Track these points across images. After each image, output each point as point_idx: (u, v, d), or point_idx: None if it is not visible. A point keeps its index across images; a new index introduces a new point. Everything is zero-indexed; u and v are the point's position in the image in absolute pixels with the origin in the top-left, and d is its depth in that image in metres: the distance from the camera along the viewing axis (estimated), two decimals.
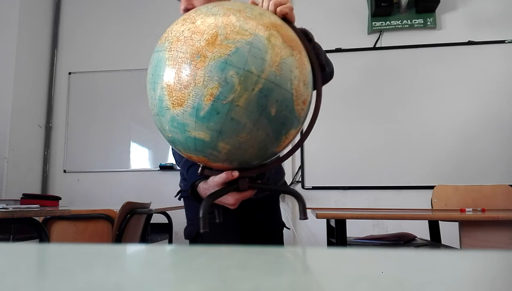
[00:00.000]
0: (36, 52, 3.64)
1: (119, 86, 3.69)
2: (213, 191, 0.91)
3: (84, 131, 3.67)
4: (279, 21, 0.83)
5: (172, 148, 1.10)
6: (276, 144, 0.83)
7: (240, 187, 0.90)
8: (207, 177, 0.94)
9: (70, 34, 3.85)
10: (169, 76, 0.77)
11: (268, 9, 0.88)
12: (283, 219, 1.46)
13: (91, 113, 3.68)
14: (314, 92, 0.90)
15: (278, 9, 0.87)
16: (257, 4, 0.91)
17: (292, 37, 0.82)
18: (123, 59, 3.72)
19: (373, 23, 3.39)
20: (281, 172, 1.39)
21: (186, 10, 1.12)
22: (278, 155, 0.89)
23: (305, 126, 0.89)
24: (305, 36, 0.91)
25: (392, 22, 3.37)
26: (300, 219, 0.90)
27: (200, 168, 0.90)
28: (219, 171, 0.89)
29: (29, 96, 3.53)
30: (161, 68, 0.79)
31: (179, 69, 0.75)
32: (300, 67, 0.80)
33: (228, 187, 0.90)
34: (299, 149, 3.29)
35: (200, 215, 0.84)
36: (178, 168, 1.13)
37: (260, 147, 0.81)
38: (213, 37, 0.74)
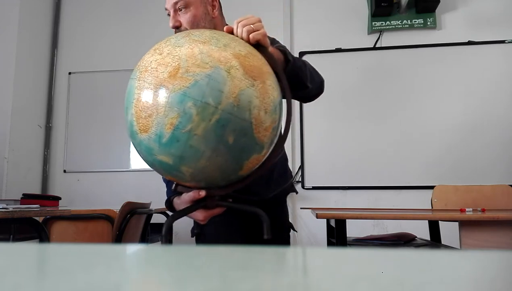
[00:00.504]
0: (36, 52, 3.64)
1: (119, 86, 3.68)
2: (184, 207, 0.96)
3: (84, 131, 3.67)
4: (245, 51, 0.85)
5: None
6: (238, 169, 0.87)
7: (208, 205, 0.95)
8: (180, 193, 0.99)
9: (70, 34, 3.85)
10: (136, 104, 0.83)
11: (241, 36, 0.92)
12: None
13: (91, 113, 3.68)
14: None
15: (250, 36, 0.90)
16: (231, 32, 0.95)
17: (257, 67, 0.85)
18: (123, 59, 3.72)
19: (373, 23, 3.39)
20: (286, 176, 1.39)
21: (174, 27, 1.23)
22: (242, 177, 0.92)
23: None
24: (284, 56, 0.95)
25: (392, 22, 3.37)
26: (264, 237, 0.94)
27: (174, 185, 0.96)
28: (191, 188, 0.94)
29: (29, 96, 3.53)
30: (131, 96, 0.85)
31: (144, 98, 0.81)
32: (261, 96, 0.82)
33: (196, 204, 0.95)
34: (300, 149, 3.29)
35: (162, 232, 0.90)
36: None
37: (222, 171, 0.86)
38: (175, 70, 0.80)
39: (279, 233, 1.43)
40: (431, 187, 2.30)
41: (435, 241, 2.09)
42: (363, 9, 3.46)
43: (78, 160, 3.64)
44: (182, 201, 0.98)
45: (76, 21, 3.86)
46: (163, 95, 0.79)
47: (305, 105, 3.36)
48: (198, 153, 0.81)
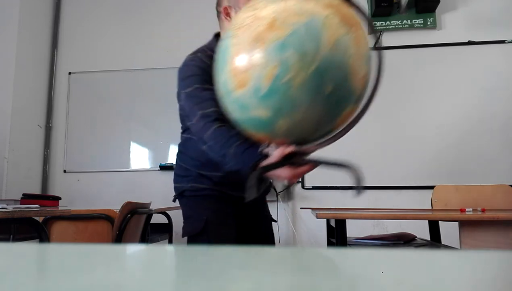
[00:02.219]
0: (36, 52, 3.64)
1: (119, 86, 3.69)
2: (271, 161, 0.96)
3: (84, 131, 3.67)
4: (336, 1, 0.85)
5: (194, 143, 1.27)
6: (333, 121, 0.89)
7: (295, 162, 0.94)
8: (266, 156, 0.99)
9: (70, 34, 3.85)
10: (232, 61, 0.84)
11: None
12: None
13: (91, 113, 3.68)
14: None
15: None
16: None
17: (351, 15, 0.84)
18: (123, 59, 3.72)
19: (373, 23, 3.39)
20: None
21: None
22: (334, 132, 0.94)
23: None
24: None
25: (392, 22, 3.37)
26: (356, 193, 0.95)
27: (260, 146, 0.98)
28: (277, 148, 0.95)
29: (29, 96, 3.53)
30: (226, 54, 0.86)
31: (241, 53, 0.82)
32: (356, 44, 0.82)
33: (284, 160, 0.94)
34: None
35: (250, 184, 0.89)
36: (215, 155, 1.14)
37: (317, 123, 0.86)
38: (272, 22, 0.79)
39: (265, 225, 1.55)
40: (431, 187, 2.30)
41: (435, 241, 2.09)
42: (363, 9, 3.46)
43: (78, 160, 3.64)
44: (270, 160, 0.96)
45: (76, 21, 3.86)
46: (261, 47, 0.79)
47: None
48: (296, 104, 0.81)
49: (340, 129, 0.95)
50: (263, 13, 0.82)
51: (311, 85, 0.79)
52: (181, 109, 1.34)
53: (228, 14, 1.32)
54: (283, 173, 0.98)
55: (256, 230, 1.52)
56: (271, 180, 1.41)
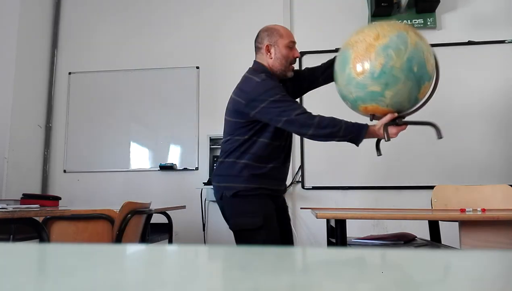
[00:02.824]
0: (36, 52, 3.64)
1: (119, 86, 3.69)
2: (380, 127, 1.58)
3: (84, 131, 3.67)
4: (408, 25, 1.58)
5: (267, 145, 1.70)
6: (418, 91, 1.51)
7: (398, 123, 1.58)
8: (377, 120, 1.61)
9: (70, 34, 3.85)
10: (353, 61, 1.49)
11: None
12: (247, 222, 1.71)
13: (91, 113, 3.68)
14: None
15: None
16: None
17: (418, 32, 1.56)
18: (123, 59, 3.72)
19: (373, 23, 3.38)
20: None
21: (295, 59, 1.79)
22: (419, 101, 1.60)
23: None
24: None
25: None
26: (438, 137, 1.66)
27: (370, 116, 1.60)
28: (382, 116, 1.58)
29: (29, 96, 3.54)
30: (347, 58, 1.52)
31: (360, 54, 1.48)
32: (426, 46, 1.52)
33: (391, 122, 1.57)
34: (300, 149, 3.29)
35: (383, 131, 1.58)
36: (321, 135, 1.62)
37: (410, 92, 1.49)
38: (377, 36, 1.47)
39: (288, 214, 1.92)
40: (431, 187, 2.30)
41: (435, 241, 2.09)
42: (363, 9, 3.46)
43: (78, 160, 3.64)
44: (379, 125, 1.59)
45: (76, 21, 3.86)
46: (373, 49, 1.45)
47: (304, 105, 3.35)
48: (397, 79, 1.44)
49: (421, 102, 1.62)
50: (369, 33, 1.50)
51: (405, 67, 1.43)
52: (269, 112, 1.60)
53: (268, 50, 1.74)
54: (392, 130, 1.59)
55: (284, 219, 1.86)
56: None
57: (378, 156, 1.70)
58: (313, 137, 1.61)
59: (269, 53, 1.72)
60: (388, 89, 1.44)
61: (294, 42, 1.78)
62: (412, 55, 1.43)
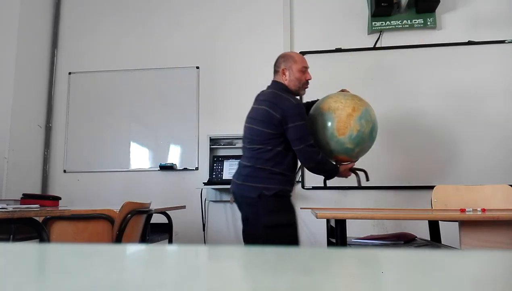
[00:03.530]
0: (36, 52, 3.64)
1: (119, 86, 3.69)
2: (345, 171, 2.10)
3: (84, 131, 3.67)
4: (365, 101, 2.13)
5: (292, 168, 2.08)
6: (370, 148, 2.13)
7: (352, 168, 2.14)
8: (340, 164, 2.12)
9: (70, 34, 3.85)
10: (337, 125, 1.99)
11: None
12: (283, 218, 1.96)
13: (91, 113, 3.68)
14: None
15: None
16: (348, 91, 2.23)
17: (370, 105, 2.13)
18: (123, 59, 3.72)
19: (373, 23, 3.39)
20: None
21: (307, 81, 2.12)
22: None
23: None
24: None
25: (392, 22, 3.37)
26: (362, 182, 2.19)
27: (338, 162, 2.11)
28: (347, 162, 2.11)
29: (29, 96, 3.54)
30: (331, 121, 2.00)
31: (341, 120, 1.99)
32: (374, 114, 2.13)
33: (353, 169, 2.15)
34: None
35: (348, 172, 2.14)
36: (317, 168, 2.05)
37: (368, 148, 2.10)
38: (353, 108, 2.00)
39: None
40: (431, 187, 2.30)
41: (435, 241, 2.09)
42: (363, 9, 3.46)
43: (78, 160, 3.64)
44: (345, 167, 2.10)
45: (76, 21, 3.86)
46: (352, 118, 1.98)
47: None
48: (363, 141, 2.02)
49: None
50: (347, 103, 2.02)
51: (368, 132, 2.02)
52: (296, 132, 1.94)
53: (284, 73, 2.09)
54: (347, 173, 2.12)
55: None
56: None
57: (325, 187, 2.34)
58: (311, 169, 2.03)
59: (284, 76, 2.08)
60: (357, 147, 2.02)
61: (306, 67, 2.10)
62: (374, 123, 2.05)
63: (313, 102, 2.26)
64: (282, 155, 1.96)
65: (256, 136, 1.99)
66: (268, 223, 1.89)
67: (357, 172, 2.14)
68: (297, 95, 2.11)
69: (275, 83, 2.11)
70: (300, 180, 3.32)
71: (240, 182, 2.01)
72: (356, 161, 2.12)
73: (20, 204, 2.21)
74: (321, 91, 3.38)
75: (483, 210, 1.74)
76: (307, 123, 1.99)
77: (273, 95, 2.02)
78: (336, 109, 1.99)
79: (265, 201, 1.91)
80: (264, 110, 1.99)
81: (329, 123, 1.99)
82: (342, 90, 2.21)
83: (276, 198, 1.92)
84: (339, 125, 1.97)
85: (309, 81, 2.13)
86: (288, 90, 2.06)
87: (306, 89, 2.15)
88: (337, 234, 1.52)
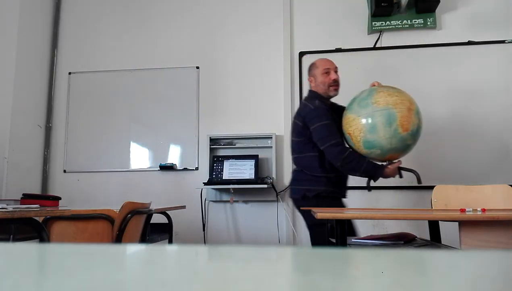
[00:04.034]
0: (36, 52, 3.64)
1: (119, 86, 3.69)
2: (393, 170, 2.08)
3: (84, 131, 3.67)
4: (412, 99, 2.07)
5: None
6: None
7: (399, 167, 2.09)
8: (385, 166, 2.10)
9: (70, 34, 3.85)
10: (399, 120, 1.91)
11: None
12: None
13: (91, 113, 3.68)
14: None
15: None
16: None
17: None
18: (123, 59, 3.72)
19: (373, 23, 3.38)
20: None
21: (336, 80, 2.22)
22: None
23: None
24: None
25: (392, 22, 3.37)
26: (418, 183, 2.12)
27: (388, 162, 2.06)
28: (393, 162, 2.07)
29: (29, 96, 3.54)
30: (394, 117, 1.89)
31: (405, 116, 1.92)
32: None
33: (401, 168, 2.09)
34: None
35: (368, 184, 2.10)
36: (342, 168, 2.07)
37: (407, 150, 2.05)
38: (410, 101, 1.95)
39: None
40: (431, 187, 2.30)
41: (435, 241, 2.08)
42: (363, 9, 3.46)
43: (78, 160, 3.64)
44: (395, 166, 2.06)
45: (76, 21, 3.86)
46: (412, 112, 1.96)
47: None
48: (419, 136, 1.99)
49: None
50: (404, 97, 1.91)
51: (420, 127, 1.99)
52: (317, 134, 2.04)
53: (311, 81, 2.26)
54: (396, 171, 2.06)
55: None
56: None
57: (369, 191, 2.29)
58: (342, 169, 2.05)
59: (312, 83, 2.27)
60: (415, 143, 1.93)
61: (328, 68, 2.21)
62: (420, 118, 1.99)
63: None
64: (317, 158, 2.09)
65: (296, 146, 2.21)
66: (309, 222, 2.09)
67: (406, 171, 2.08)
68: (329, 98, 2.24)
69: (307, 93, 2.31)
70: None
71: (291, 185, 2.27)
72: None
73: (20, 204, 2.21)
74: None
75: (483, 210, 1.74)
76: (331, 123, 2.04)
77: (299, 106, 2.27)
78: (395, 104, 1.84)
79: (307, 202, 2.08)
80: (293, 122, 2.24)
81: (392, 119, 1.85)
82: (373, 84, 2.16)
83: (317, 198, 2.08)
84: (403, 121, 1.83)
85: (337, 80, 2.24)
86: (317, 95, 2.20)
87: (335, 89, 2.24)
88: (337, 234, 1.52)
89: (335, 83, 2.22)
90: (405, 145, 1.90)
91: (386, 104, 1.86)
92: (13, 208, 1.50)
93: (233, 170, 3.27)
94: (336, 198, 2.14)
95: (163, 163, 3.46)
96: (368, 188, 2.13)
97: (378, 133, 1.87)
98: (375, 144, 1.89)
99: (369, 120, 1.89)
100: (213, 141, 3.43)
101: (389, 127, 1.83)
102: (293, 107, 3.41)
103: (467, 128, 3.17)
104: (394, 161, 2.05)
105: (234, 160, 3.30)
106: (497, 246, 1.42)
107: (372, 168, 2.04)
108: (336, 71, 2.25)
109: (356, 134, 1.94)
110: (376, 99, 1.90)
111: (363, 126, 1.90)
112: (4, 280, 0.26)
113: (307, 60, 3.46)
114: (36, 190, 3.54)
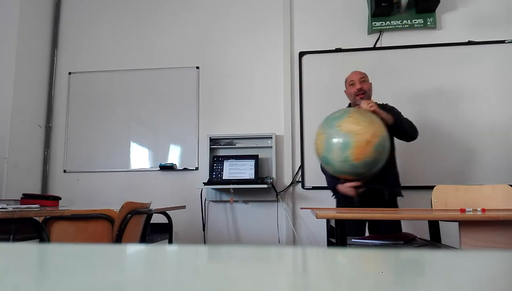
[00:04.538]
0: (36, 52, 3.64)
1: (119, 86, 3.69)
2: (346, 188, 2.18)
3: (84, 131, 3.67)
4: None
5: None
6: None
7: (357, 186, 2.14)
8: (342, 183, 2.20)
9: (70, 34, 3.85)
10: (354, 149, 1.92)
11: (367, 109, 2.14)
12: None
13: (91, 113, 3.68)
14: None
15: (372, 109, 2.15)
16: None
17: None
18: (123, 59, 3.72)
19: (373, 23, 3.38)
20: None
21: (360, 89, 2.38)
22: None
23: None
24: (393, 116, 2.31)
25: (392, 22, 3.37)
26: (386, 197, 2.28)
27: (343, 180, 2.14)
28: (351, 180, 2.11)
29: (29, 96, 3.54)
30: (349, 144, 1.93)
31: (361, 148, 1.93)
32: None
33: (360, 186, 2.13)
34: (300, 149, 3.30)
35: (356, 199, 2.17)
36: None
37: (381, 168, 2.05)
38: (373, 134, 1.93)
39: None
40: (431, 187, 2.30)
41: (435, 241, 2.08)
42: (363, 9, 3.46)
43: (78, 160, 3.64)
44: (346, 185, 2.16)
45: (76, 21, 3.86)
46: (370, 145, 1.92)
47: (305, 105, 3.36)
48: (377, 165, 1.97)
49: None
50: (368, 129, 1.93)
51: (381, 158, 1.98)
52: None
53: (346, 94, 2.48)
54: (349, 190, 2.17)
55: None
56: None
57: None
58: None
59: (347, 96, 2.50)
60: (369, 172, 1.99)
61: (353, 80, 2.40)
62: (388, 149, 2.02)
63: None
64: None
65: None
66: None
67: (361, 191, 2.16)
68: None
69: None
70: (300, 179, 3.32)
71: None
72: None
73: (20, 204, 2.21)
74: (321, 91, 3.38)
75: (483, 210, 1.74)
76: None
77: None
78: (356, 134, 1.92)
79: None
80: None
81: (346, 147, 1.94)
82: (364, 102, 2.24)
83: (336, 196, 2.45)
84: (357, 151, 1.90)
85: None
86: (350, 105, 2.48)
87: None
88: (337, 234, 1.52)
89: (360, 92, 2.37)
90: (357, 172, 1.98)
91: (347, 131, 1.95)
92: (13, 208, 1.50)
93: (233, 170, 3.27)
94: (344, 197, 2.29)
95: (163, 163, 3.46)
96: (355, 200, 2.21)
97: (332, 154, 1.99)
98: (330, 162, 2.02)
99: (329, 140, 2.02)
100: (213, 141, 3.43)
101: (341, 153, 1.93)
102: (293, 107, 3.41)
103: (467, 128, 3.17)
104: (351, 182, 2.14)
105: (234, 160, 3.30)
106: (497, 246, 1.42)
107: (330, 180, 2.30)
108: (362, 81, 2.39)
109: (319, 147, 2.06)
110: (342, 123, 2.00)
111: (324, 143, 2.02)
112: (4, 280, 0.26)
113: (307, 60, 3.46)
114: (36, 190, 3.54)
